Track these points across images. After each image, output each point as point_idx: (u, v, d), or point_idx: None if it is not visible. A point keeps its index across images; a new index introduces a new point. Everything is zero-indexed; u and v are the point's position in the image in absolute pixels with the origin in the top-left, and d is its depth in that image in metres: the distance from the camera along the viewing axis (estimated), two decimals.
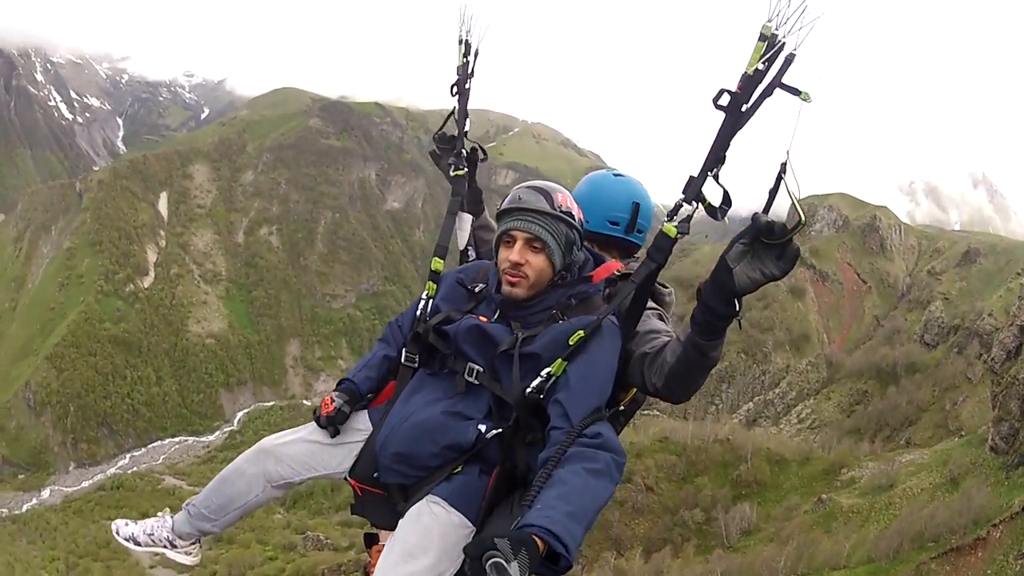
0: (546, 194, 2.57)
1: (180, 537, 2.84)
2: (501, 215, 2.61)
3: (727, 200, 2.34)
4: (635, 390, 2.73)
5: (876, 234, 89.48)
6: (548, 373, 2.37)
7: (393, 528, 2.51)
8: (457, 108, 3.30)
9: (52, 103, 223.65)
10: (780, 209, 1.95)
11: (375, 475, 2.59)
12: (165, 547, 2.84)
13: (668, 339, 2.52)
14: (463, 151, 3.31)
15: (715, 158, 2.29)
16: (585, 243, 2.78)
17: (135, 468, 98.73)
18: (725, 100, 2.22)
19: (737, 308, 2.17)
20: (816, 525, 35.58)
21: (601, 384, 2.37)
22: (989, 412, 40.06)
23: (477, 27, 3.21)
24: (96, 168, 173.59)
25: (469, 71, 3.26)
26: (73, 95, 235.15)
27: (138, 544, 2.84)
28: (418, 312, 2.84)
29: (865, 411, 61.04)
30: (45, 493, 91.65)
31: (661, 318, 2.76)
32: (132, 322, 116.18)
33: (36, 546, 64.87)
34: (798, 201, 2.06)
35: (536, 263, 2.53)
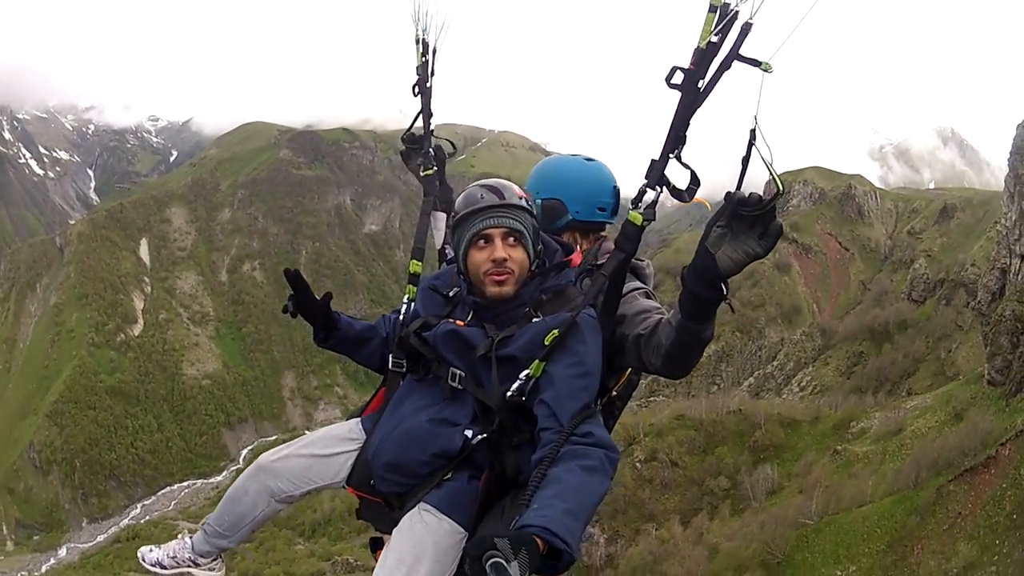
0: (503, 189, 2.57)
1: (201, 556, 2.95)
2: (463, 220, 2.55)
3: (695, 180, 2.30)
4: (627, 373, 2.81)
5: (853, 202, 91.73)
6: (527, 375, 2.37)
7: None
8: (421, 106, 3.36)
9: (22, 160, 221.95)
10: (753, 186, 2.03)
11: (371, 483, 2.61)
12: (190, 567, 2.96)
13: (660, 316, 2.56)
14: (431, 150, 3.37)
15: (675, 138, 2.26)
16: (555, 233, 2.90)
17: (148, 517, 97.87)
18: (679, 78, 2.17)
19: (724, 291, 2.14)
20: (836, 473, 37.34)
21: (587, 383, 2.35)
22: (983, 354, 42.18)
23: (434, 25, 3.26)
24: (72, 221, 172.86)
25: (429, 70, 3.33)
26: (42, 150, 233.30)
27: (164, 568, 2.95)
28: (400, 316, 2.88)
29: (864, 371, 62.94)
30: (62, 552, 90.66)
31: (648, 295, 2.78)
32: (127, 371, 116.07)
33: None
34: (772, 168, 2.04)
35: (517, 256, 2.52)
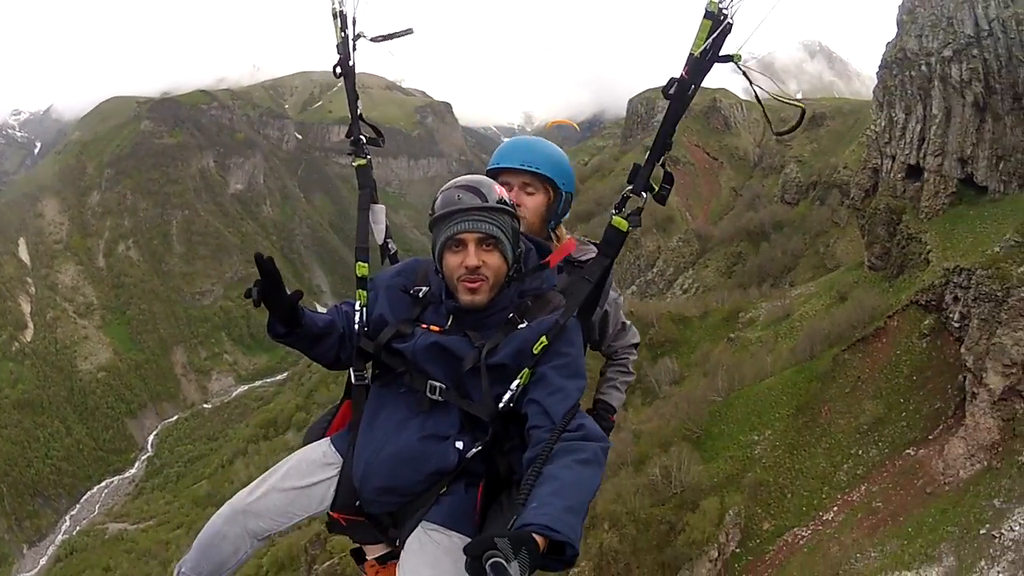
0: (483, 190, 2.44)
1: None
2: (439, 221, 2.43)
3: (669, 179, 2.32)
4: None
5: (719, 114, 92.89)
6: (517, 385, 2.33)
7: (378, 543, 2.61)
8: (346, 89, 3.16)
9: None
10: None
11: (357, 504, 2.53)
12: None
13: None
14: (361, 136, 3.15)
15: (662, 146, 2.27)
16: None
17: (77, 527, 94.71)
18: (674, 88, 2.15)
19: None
20: (734, 357, 40.07)
21: (578, 384, 2.34)
22: (861, 245, 44.94)
23: None
24: None
25: (351, 46, 3.11)
26: None
27: None
28: (356, 326, 2.65)
29: (744, 268, 64.26)
30: None
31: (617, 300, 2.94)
32: (27, 381, 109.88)
33: None
34: (783, 98, 2.12)
35: (493, 263, 2.41)
